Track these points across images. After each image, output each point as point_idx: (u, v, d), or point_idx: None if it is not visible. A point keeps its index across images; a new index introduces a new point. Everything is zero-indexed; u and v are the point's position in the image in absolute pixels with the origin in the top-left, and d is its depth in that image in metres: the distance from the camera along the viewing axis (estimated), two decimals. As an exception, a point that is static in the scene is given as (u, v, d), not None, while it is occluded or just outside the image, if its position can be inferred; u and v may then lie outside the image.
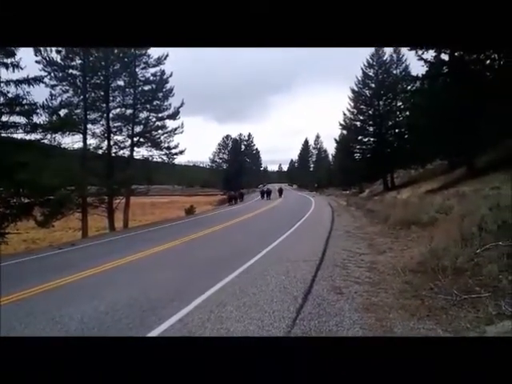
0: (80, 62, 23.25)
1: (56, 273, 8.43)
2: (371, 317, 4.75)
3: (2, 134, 16.18)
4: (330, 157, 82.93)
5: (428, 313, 4.76)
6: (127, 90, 26.26)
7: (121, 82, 25.91)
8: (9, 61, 15.59)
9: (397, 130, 34.72)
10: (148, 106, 27.16)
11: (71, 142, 22.69)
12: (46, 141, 17.37)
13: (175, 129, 27.63)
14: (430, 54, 20.18)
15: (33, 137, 16.77)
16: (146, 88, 26.99)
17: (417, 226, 11.22)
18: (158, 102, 27.31)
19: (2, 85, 15.63)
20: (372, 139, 36.53)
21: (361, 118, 37.23)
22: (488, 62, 18.51)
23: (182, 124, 27.84)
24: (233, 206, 36.81)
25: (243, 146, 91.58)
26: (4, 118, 15.98)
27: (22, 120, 16.20)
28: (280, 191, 53.03)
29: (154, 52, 26.31)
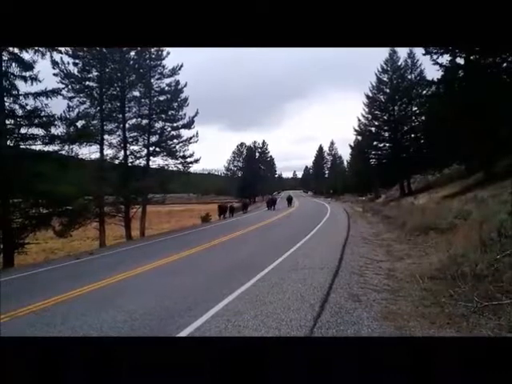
0: (96, 73, 23.66)
1: (75, 282, 8.54)
2: (390, 325, 4.70)
3: (21, 146, 16.45)
4: (345, 163, 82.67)
5: (448, 320, 4.70)
6: (143, 100, 26.63)
7: (136, 93, 26.32)
8: (27, 74, 15.91)
9: (413, 135, 34.45)
10: (163, 115, 27.48)
11: (88, 152, 23.12)
12: (63, 152, 17.62)
13: (190, 138, 27.94)
14: (445, 59, 20.03)
15: (51, 148, 17.02)
16: (161, 98, 27.39)
17: (435, 231, 11.08)
18: (173, 112, 27.63)
19: (20, 97, 15.94)
20: (387, 144, 36.29)
21: (376, 123, 36.98)
22: (505, 64, 18.27)
23: (197, 133, 28.15)
24: (229, 219, 31.66)
25: (258, 154, 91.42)
26: (23, 130, 16.28)
27: (40, 132, 16.47)
28: (289, 200, 46.19)
29: (169, 62, 26.68)
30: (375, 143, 37.23)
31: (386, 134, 36.31)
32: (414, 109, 34.02)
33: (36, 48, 15.79)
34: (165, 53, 26.58)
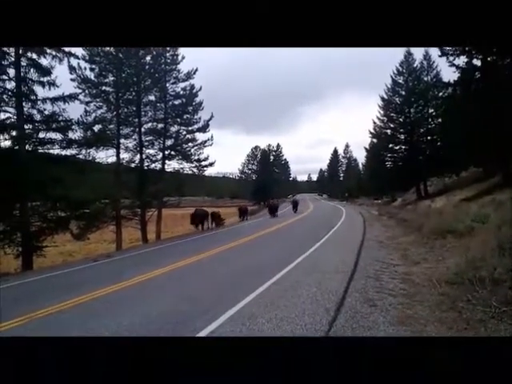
0: (113, 78, 24.04)
1: (94, 284, 8.65)
2: (407, 330, 4.66)
3: (40, 150, 16.74)
4: (360, 166, 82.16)
5: (466, 326, 4.64)
6: (158, 104, 26.92)
7: (152, 97, 26.66)
8: (45, 79, 16.20)
9: (429, 137, 34.12)
10: (178, 119, 27.75)
11: (105, 156, 23.43)
12: (80, 156, 17.93)
13: (205, 141, 28.12)
14: (461, 60, 19.84)
15: (68, 152, 17.33)
16: (177, 102, 27.62)
17: (452, 235, 10.94)
18: (188, 116, 27.85)
19: (39, 103, 16.24)
20: (403, 147, 35.97)
21: (391, 125, 36.72)
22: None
23: (212, 136, 28.33)
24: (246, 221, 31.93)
25: (272, 157, 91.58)
26: (41, 135, 16.57)
27: (57, 136, 16.78)
28: (294, 203, 40.06)
29: (184, 67, 26.91)
30: (391, 146, 36.93)
31: (402, 137, 36.03)
32: (431, 111, 33.73)
33: (54, 54, 16.08)
34: (180, 57, 26.84)
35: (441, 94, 29.71)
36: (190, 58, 35.73)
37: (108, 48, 23.39)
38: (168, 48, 26.13)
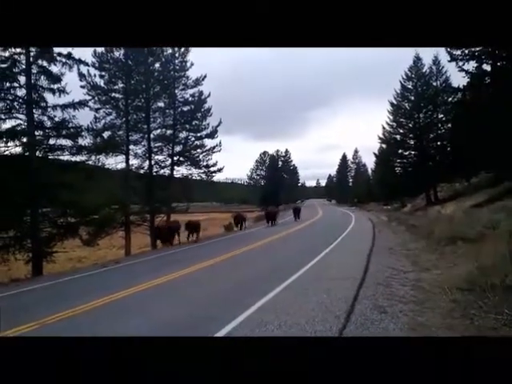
0: (122, 85, 24.24)
1: (104, 290, 8.67)
2: (417, 337, 4.61)
3: (50, 157, 16.89)
4: (369, 171, 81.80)
5: (477, 333, 4.58)
6: (167, 111, 27.13)
7: (161, 104, 26.83)
8: (55, 86, 16.36)
9: (439, 143, 33.94)
10: (187, 126, 27.93)
11: (114, 162, 23.60)
12: (90, 162, 18.03)
13: (213, 147, 28.32)
14: (471, 65, 19.76)
15: (78, 158, 17.42)
16: (185, 109, 27.84)
17: (463, 241, 10.83)
18: (197, 122, 28.01)
19: (49, 109, 16.40)
20: (413, 152, 35.84)
21: (401, 131, 36.61)
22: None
23: (220, 142, 28.50)
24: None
25: (280, 162, 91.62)
26: (51, 141, 16.68)
27: (67, 142, 16.86)
28: (296, 211, 36.40)
29: (192, 73, 27.11)
30: (400, 151, 36.82)
31: (412, 142, 35.89)
32: (440, 116, 33.57)
33: (64, 61, 16.24)
34: (189, 64, 27.03)
35: (450, 99, 29.61)
36: (199, 63, 35.96)
37: (117, 55, 23.67)
38: (177, 54, 26.38)
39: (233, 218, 30.05)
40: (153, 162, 26.14)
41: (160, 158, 26.92)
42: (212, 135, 28.07)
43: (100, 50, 23.20)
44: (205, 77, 27.38)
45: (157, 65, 25.73)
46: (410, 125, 35.60)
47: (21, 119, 15.85)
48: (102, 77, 23.61)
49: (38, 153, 16.15)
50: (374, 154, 46.63)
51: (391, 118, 37.20)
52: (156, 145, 26.52)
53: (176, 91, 27.21)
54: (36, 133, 16.24)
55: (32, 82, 15.79)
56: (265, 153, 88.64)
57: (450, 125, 31.35)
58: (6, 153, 15.39)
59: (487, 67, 19.64)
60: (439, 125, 34.12)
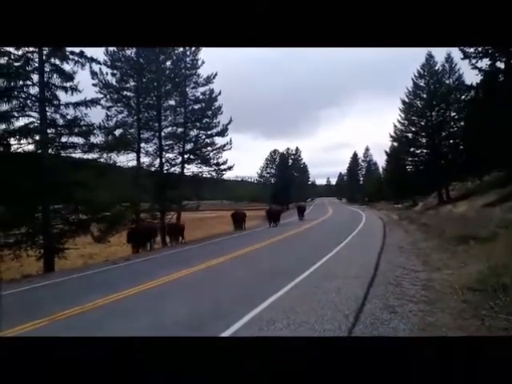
0: (134, 83, 24.39)
1: (114, 287, 8.75)
2: (427, 338, 4.58)
3: (62, 154, 17.06)
4: (381, 169, 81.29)
5: (488, 334, 4.53)
6: (178, 109, 27.17)
7: (172, 102, 26.90)
8: (68, 84, 16.48)
9: (451, 141, 33.60)
10: (198, 124, 27.94)
11: (126, 160, 23.76)
12: (102, 160, 18.14)
13: (224, 145, 28.28)
14: (484, 63, 19.53)
15: (90, 156, 17.56)
16: (196, 107, 27.88)
17: (475, 241, 10.72)
18: (208, 120, 28.00)
19: (61, 107, 16.53)
20: (425, 151, 35.55)
21: (412, 129, 36.24)
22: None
23: (231, 140, 28.47)
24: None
25: (291, 161, 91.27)
26: (64, 139, 16.83)
27: (79, 140, 16.99)
28: (300, 209, 36.02)
29: (204, 71, 27.15)
30: (412, 149, 36.55)
31: (423, 140, 35.56)
32: (453, 114, 33.21)
33: (76, 59, 16.35)
34: (200, 62, 27.06)
35: (463, 97, 29.29)
36: (210, 61, 35.99)
37: (129, 53, 23.79)
38: (188, 53, 26.40)
39: (232, 216, 28.71)
40: (163, 160, 26.28)
41: (171, 155, 27.07)
42: (222, 133, 28.06)
43: (112, 48, 23.39)
44: (216, 75, 27.40)
45: (168, 63, 25.81)
46: (422, 123, 35.24)
47: (33, 117, 16.00)
48: (113, 75, 23.78)
49: (50, 150, 16.30)
50: (386, 152, 46.38)
51: (403, 115, 36.86)
52: (167, 143, 26.63)
53: (187, 89, 27.24)
54: (48, 130, 16.37)
55: (45, 80, 15.91)
56: (275, 151, 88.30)
57: (462, 123, 31.00)
58: (19, 150, 15.57)
59: (501, 65, 19.41)
60: (452, 123, 33.72)
